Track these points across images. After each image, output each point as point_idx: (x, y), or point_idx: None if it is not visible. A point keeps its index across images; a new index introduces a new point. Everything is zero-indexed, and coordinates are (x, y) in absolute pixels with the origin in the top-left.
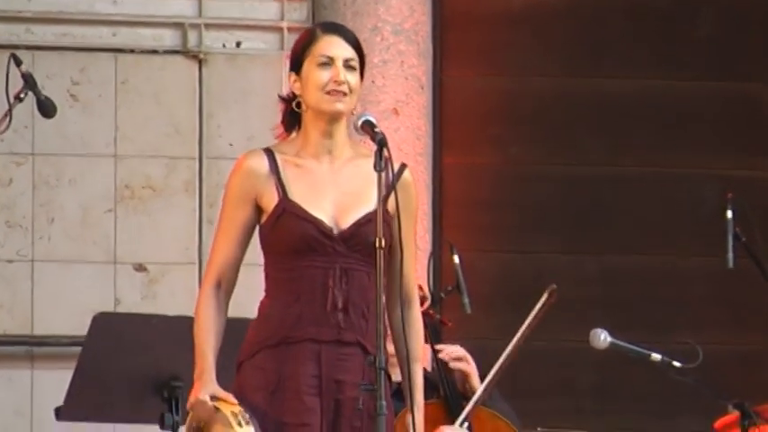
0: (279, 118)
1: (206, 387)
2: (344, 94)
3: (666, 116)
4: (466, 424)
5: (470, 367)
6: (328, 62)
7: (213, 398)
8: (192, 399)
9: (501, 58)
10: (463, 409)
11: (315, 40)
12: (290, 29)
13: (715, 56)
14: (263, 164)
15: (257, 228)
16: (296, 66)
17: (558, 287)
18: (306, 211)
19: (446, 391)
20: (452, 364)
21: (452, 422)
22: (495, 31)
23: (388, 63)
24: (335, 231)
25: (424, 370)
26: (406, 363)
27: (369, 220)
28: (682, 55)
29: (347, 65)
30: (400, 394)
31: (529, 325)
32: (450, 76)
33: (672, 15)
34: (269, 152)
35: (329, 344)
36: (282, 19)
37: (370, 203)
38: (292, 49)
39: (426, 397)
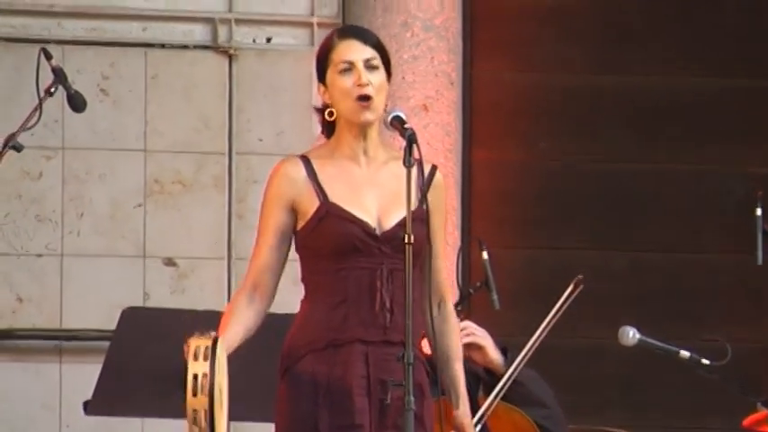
0: (311, 116)
1: None
2: (370, 97)
3: (694, 111)
4: (479, 427)
5: (485, 340)
6: (349, 67)
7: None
8: None
9: (530, 54)
10: (476, 403)
11: (333, 48)
12: (320, 24)
13: (743, 51)
14: (299, 170)
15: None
16: (321, 76)
17: (586, 282)
18: (349, 213)
19: None
20: (465, 340)
21: None
22: (525, 27)
23: (418, 59)
24: (379, 232)
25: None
26: (448, 362)
27: (412, 220)
28: (710, 50)
29: (368, 65)
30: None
31: (553, 316)
32: (480, 72)
33: (699, 10)
34: (304, 158)
35: (376, 344)
36: (313, 14)
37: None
38: (316, 59)
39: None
